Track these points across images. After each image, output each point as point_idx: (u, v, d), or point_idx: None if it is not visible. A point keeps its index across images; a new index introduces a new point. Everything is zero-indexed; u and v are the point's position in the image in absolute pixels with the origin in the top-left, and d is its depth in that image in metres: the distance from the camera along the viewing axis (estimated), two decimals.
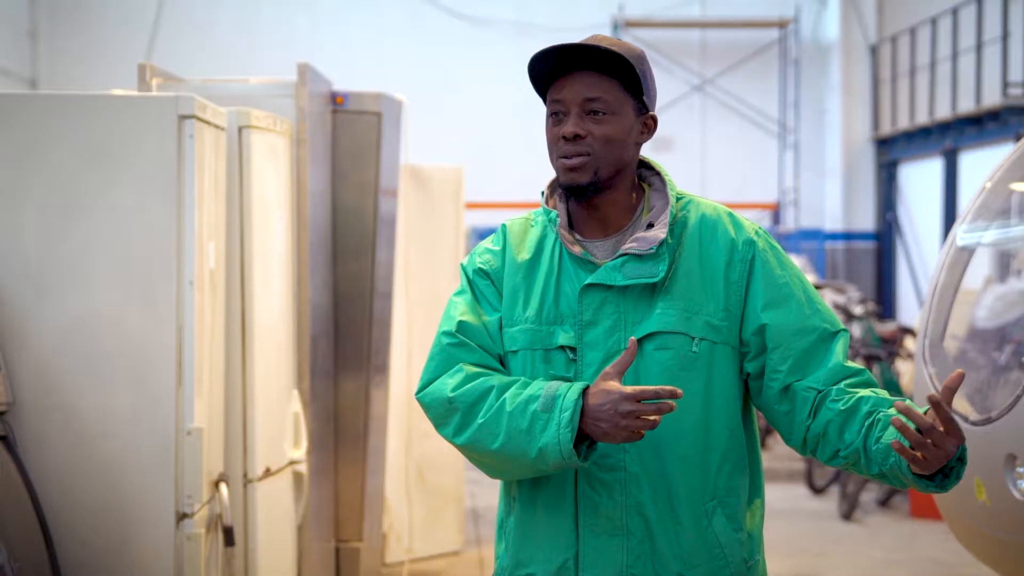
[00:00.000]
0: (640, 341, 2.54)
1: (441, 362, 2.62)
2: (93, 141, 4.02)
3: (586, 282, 2.57)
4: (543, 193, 2.71)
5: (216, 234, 4.34)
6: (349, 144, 5.78)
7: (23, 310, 3.99)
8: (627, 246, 2.57)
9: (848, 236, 17.33)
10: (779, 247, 2.67)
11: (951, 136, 14.51)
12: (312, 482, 5.24)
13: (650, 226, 2.59)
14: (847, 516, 9.07)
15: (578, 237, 2.64)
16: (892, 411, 2.47)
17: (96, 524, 3.98)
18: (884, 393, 2.57)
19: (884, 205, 17.04)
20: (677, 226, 2.61)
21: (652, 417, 2.39)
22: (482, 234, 15.04)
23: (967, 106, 14.16)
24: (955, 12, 14.53)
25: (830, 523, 9.02)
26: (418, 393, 2.65)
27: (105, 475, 3.98)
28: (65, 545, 3.96)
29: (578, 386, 2.47)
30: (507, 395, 2.51)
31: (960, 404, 4.68)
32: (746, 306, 2.60)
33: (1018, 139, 8.94)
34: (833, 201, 17.34)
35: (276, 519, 4.81)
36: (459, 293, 2.70)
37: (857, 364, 2.60)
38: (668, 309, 2.56)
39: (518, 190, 16.41)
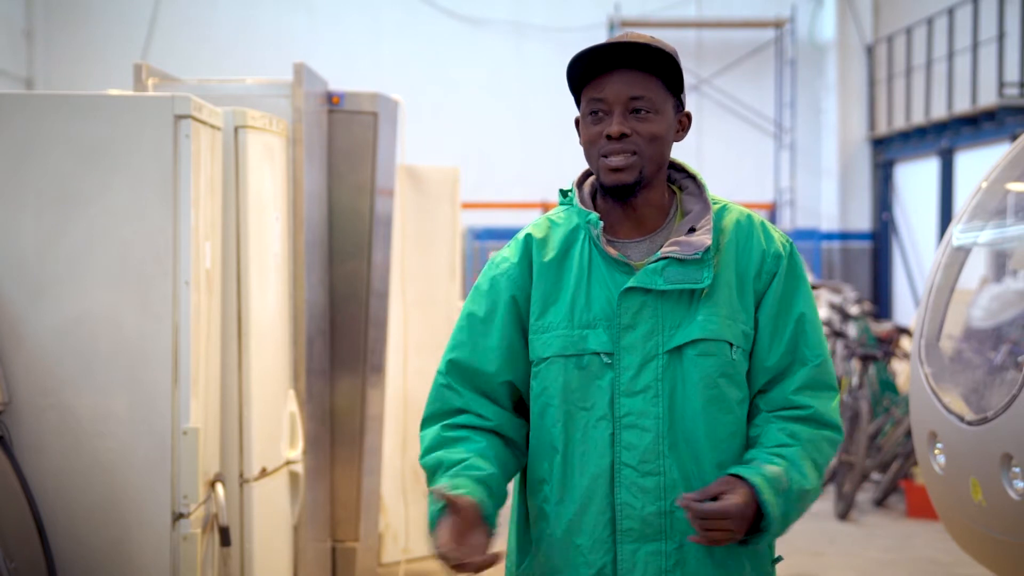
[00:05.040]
0: (681, 347, 2.53)
1: (434, 400, 2.66)
2: (89, 141, 4.01)
3: (627, 285, 2.53)
4: (569, 192, 2.67)
5: (212, 234, 4.33)
6: (345, 144, 5.78)
7: (19, 310, 3.98)
8: (667, 249, 2.53)
9: (844, 236, 17.33)
10: (802, 263, 2.65)
11: (947, 136, 14.51)
12: (308, 482, 5.24)
13: (691, 231, 2.56)
14: (843, 516, 9.08)
15: (610, 238, 2.60)
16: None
17: (92, 524, 3.97)
18: (815, 434, 2.56)
19: (880, 205, 17.05)
20: (715, 232, 2.58)
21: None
22: (478, 234, 15.05)
23: (963, 106, 14.16)
24: (951, 12, 14.53)
25: (826, 523, 9.02)
26: (420, 427, 2.70)
27: (101, 475, 3.98)
28: (61, 545, 3.96)
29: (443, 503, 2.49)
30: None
31: (956, 404, 4.68)
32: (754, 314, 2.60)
33: (1014, 139, 8.94)
34: (829, 201, 17.35)
35: (272, 519, 4.81)
36: (470, 308, 2.64)
37: (809, 399, 2.57)
38: (711, 315, 2.53)
39: (514, 190, 16.40)
